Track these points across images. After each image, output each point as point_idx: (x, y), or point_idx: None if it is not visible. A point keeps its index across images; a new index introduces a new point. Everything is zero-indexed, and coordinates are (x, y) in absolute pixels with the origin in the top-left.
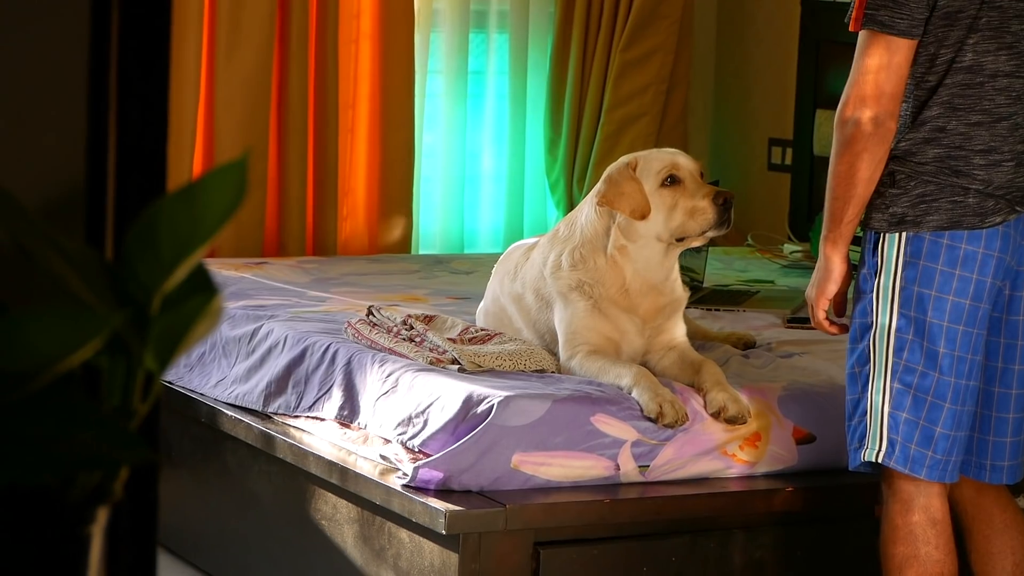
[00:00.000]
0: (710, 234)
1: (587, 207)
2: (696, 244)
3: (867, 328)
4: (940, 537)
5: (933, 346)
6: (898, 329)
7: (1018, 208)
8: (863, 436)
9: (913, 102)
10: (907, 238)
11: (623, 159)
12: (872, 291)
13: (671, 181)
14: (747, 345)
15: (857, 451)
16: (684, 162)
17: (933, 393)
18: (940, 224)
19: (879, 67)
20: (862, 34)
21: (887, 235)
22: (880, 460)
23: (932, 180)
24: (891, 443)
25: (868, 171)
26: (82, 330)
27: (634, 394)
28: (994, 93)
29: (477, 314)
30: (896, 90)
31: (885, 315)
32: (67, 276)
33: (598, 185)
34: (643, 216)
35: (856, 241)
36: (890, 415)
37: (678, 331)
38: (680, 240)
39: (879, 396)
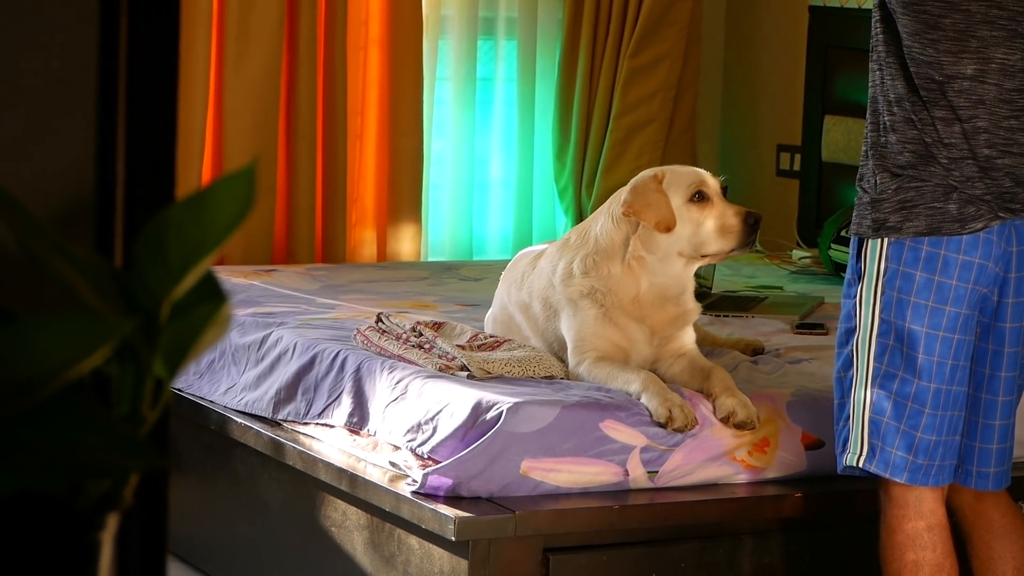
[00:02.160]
0: (734, 253)
1: (603, 218)
2: (716, 261)
3: (851, 332)
4: (940, 542)
5: (913, 352)
6: (879, 334)
7: (1001, 214)
8: (847, 440)
9: (892, 88)
10: (888, 243)
11: (649, 171)
12: (855, 296)
13: (699, 197)
14: (756, 351)
15: (842, 455)
16: (710, 180)
17: (913, 399)
18: (920, 230)
19: None
20: None
21: (870, 240)
22: (861, 465)
23: (913, 186)
24: (872, 448)
25: None
26: (91, 337)
27: (643, 400)
28: (953, 95)
29: (485, 321)
30: None
31: (867, 320)
32: (76, 284)
33: (623, 194)
34: (668, 229)
35: (846, 243)
36: (871, 420)
37: (687, 339)
38: (703, 256)
39: (860, 401)
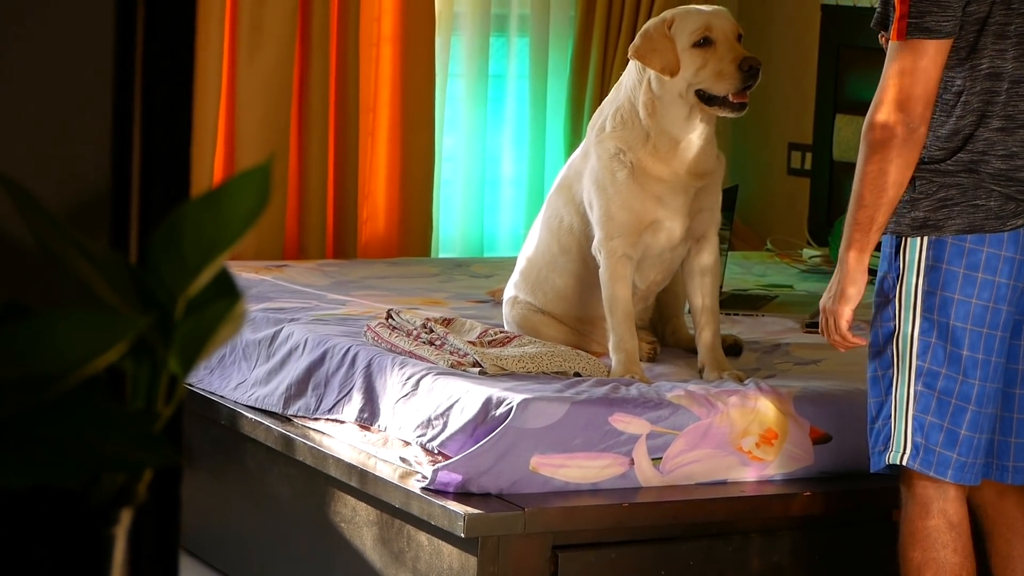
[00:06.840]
0: (729, 110)
1: (631, 67)
2: (716, 112)
3: (890, 332)
4: (958, 541)
5: (956, 349)
6: (921, 332)
7: None
8: (887, 439)
9: (940, 106)
10: (929, 242)
11: (662, 15)
12: (895, 295)
13: (704, 42)
14: (736, 345)
15: (881, 454)
16: (720, 23)
17: (957, 396)
18: (962, 228)
19: (914, 71)
20: (898, 41)
21: (908, 239)
22: (905, 463)
23: (953, 183)
24: (916, 446)
25: (899, 176)
26: (107, 333)
27: (611, 354)
28: (1017, 99)
29: (520, 259)
30: (930, 94)
31: (908, 318)
32: (92, 279)
33: (635, 39)
34: (672, 74)
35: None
36: (915, 418)
37: (715, 216)
38: (701, 99)
39: (903, 399)
